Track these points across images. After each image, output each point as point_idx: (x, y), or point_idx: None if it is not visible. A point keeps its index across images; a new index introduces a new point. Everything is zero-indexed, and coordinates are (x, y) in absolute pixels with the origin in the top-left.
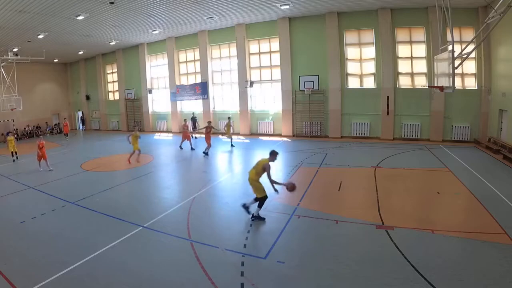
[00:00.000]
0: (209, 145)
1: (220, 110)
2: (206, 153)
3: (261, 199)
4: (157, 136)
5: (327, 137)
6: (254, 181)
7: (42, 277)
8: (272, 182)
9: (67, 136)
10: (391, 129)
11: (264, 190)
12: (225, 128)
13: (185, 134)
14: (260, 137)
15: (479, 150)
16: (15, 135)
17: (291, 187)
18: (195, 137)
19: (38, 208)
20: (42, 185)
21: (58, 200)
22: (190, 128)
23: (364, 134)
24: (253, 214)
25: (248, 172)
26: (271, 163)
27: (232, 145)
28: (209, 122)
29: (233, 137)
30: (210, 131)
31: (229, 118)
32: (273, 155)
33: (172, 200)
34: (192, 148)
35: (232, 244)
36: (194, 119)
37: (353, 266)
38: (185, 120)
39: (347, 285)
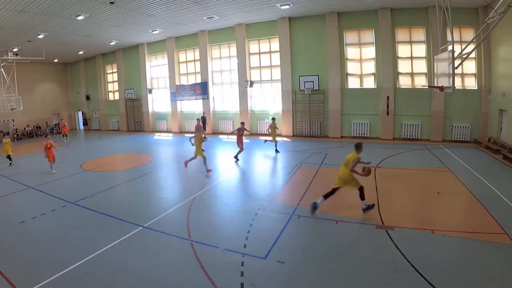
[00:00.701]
0: (241, 149)
1: (220, 110)
2: (236, 158)
3: (361, 190)
4: (157, 136)
5: (327, 137)
6: (348, 176)
7: (42, 277)
8: (353, 171)
9: (65, 137)
10: (391, 129)
11: (358, 181)
12: (269, 130)
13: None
14: (260, 137)
15: (479, 150)
16: (15, 135)
17: (367, 172)
18: (205, 138)
19: (38, 208)
20: (42, 185)
21: (58, 200)
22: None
23: (364, 134)
24: (363, 208)
25: (339, 172)
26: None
27: (276, 151)
28: (243, 123)
29: (233, 137)
30: (243, 133)
31: (273, 119)
32: (359, 147)
33: (172, 200)
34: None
35: (232, 244)
36: (204, 119)
37: (353, 266)
38: (198, 120)
39: (347, 285)
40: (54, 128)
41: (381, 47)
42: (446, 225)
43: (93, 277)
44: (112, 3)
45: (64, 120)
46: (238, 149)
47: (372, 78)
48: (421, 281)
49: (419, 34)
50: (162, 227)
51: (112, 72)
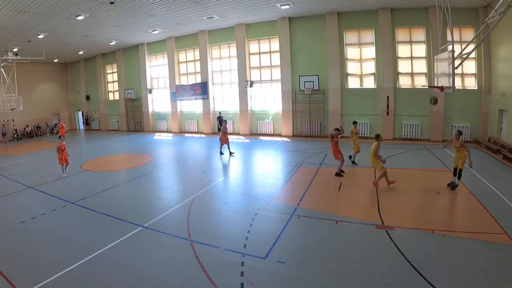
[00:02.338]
0: (343, 160)
1: (220, 110)
2: (341, 172)
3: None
4: (157, 136)
5: (327, 137)
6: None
7: (42, 277)
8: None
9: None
10: (391, 129)
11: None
12: (350, 136)
13: (225, 136)
14: (260, 137)
15: (479, 150)
16: (15, 135)
17: (435, 101)
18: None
19: (38, 208)
20: (42, 185)
21: (58, 200)
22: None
23: (364, 134)
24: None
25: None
26: None
27: (353, 162)
28: (337, 130)
29: (233, 137)
30: (338, 140)
31: (355, 123)
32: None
33: (172, 200)
34: (221, 153)
35: (232, 244)
36: (220, 119)
37: (353, 266)
38: (220, 121)
39: (347, 285)
40: (54, 128)
41: (381, 47)
42: (446, 225)
43: (93, 277)
44: (112, 3)
45: (62, 121)
46: (339, 162)
47: (372, 78)
48: (421, 281)
49: (419, 34)
50: (162, 227)
51: (112, 72)
